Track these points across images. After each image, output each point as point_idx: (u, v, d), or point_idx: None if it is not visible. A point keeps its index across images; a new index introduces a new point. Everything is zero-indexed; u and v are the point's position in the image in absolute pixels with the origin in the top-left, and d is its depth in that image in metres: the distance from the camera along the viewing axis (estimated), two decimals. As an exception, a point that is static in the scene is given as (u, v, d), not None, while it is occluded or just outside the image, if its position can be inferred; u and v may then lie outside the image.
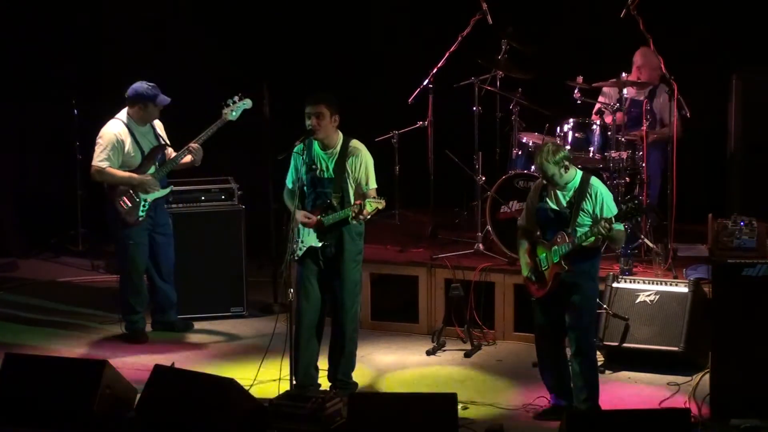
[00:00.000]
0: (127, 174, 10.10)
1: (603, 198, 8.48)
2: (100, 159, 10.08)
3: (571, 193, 8.51)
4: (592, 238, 8.38)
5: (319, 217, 8.90)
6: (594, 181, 8.56)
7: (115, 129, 10.10)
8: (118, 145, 10.06)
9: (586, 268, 8.50)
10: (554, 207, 8.53)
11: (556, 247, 8.45)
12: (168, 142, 10.29)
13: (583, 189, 8.48)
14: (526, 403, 8.91)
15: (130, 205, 10.10)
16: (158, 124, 10.29)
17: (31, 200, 12.91)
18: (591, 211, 8.45)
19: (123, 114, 10.16)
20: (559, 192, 8.53)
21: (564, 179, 8.48)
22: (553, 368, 8.71)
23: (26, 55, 12.64)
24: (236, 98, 10.10)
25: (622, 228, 8.56)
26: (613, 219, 8.33)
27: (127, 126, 10.11)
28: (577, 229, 8.41)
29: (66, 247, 12.76)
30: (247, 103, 10.15)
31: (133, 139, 10.11)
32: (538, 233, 8.59)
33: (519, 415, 8.77)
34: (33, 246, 12.84)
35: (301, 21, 12.60)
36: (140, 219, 10.11)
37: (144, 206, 10.11)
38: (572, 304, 8.49)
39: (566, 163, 8.45)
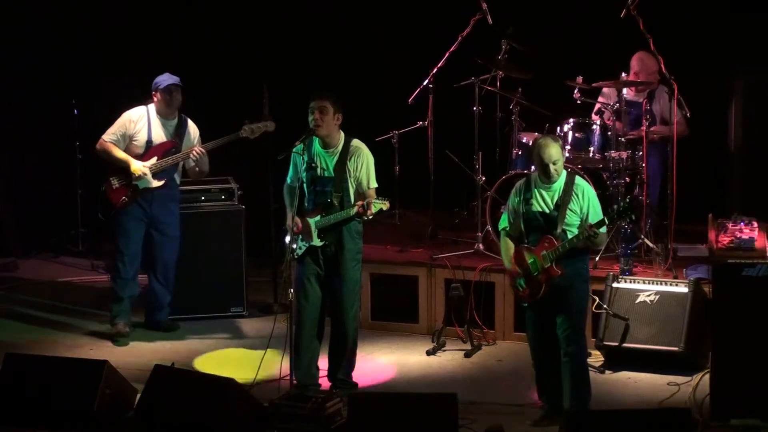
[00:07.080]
0: (124, 155, 10.12)
1: (590, 198, 8.43)
2: (106, 134, 10.16)
3: (557, 194, 8.42)
4: (575, 242, 8.33)
5: (316, 218, 8.90)
6: (579, 180, 8.51)
7: (133, 112, 10.20)
8: (129, 126, 10.12)
9: (578, 269, 8.45)
10: (542, 209, 8.44)
11: (545, 252, 8.35)
12: (195, 144, 10.23)
13: (568, 189, 8.40)
14: (526, 403, 8.92)
15: (117, 185, 10.13)
16: (192, 129, 10.26)
17: (31, 200, 12.89)
18: (579, 211, 8.39)
19: (152, 103, 10.24)
20: (544, 193, 8.44)
21: (556, 176, 8.39)
22: (551, 371, 8.56)
23: (27, 54, 12.65)
24: (261, 118, 10.12)
25: (605, 231, 8.45)
26: (599, 223, 8.28)
27: (148, 113, 10.16)
28: (566, 229, 8.36)
29: (66, 247, 12.75)
30: (270, 126, 10.15)
31: (148, 127, 10.13)
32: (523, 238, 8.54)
33: (519, 415, 8.76)
34: (33, 246, 12.83)
35: (301, 20, 12.59)
36: (124, 201, 10.10)
37: (130, 190, 10.11)
38: (566, 306, 8.41)
39: (564, 161, 8.48)
